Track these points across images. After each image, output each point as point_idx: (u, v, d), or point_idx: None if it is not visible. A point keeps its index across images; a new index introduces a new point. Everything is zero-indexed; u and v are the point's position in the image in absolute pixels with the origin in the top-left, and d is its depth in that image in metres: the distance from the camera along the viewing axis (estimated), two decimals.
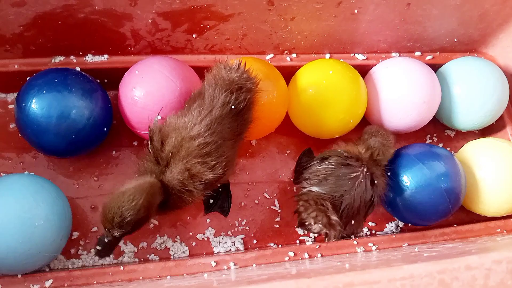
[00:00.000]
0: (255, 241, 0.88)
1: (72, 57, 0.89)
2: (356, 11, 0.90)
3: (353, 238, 0.86)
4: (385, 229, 0.93)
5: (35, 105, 0.77)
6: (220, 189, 0.89)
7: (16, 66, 0.86)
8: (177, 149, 0.72)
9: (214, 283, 0.56)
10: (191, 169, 0.71)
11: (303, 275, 0.47)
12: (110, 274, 0.77)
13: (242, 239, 0.88)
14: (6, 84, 0.88)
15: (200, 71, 0.83)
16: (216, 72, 0.77)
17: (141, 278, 0.77)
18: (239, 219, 0.90)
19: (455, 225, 0.93)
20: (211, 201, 0.89)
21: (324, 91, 0.88)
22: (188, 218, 0.88)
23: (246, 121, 0.78)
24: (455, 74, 0.99)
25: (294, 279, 0.42)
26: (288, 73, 0.94)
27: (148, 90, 0.80)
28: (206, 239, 0.87)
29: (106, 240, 0.68)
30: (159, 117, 0.79)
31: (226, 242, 0.87)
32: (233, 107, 0.74)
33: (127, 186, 0.68)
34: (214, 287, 0.51)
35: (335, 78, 0.88)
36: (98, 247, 0.69)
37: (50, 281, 0.75)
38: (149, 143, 0.74)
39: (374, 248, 0.86)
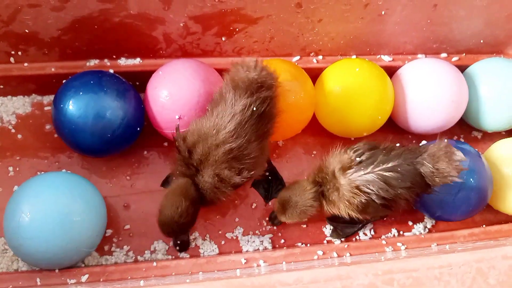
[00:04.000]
0: (282, 241, 0.89)
1: (106, 60, 0.92)
2: (383, 12, 0.92)
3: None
4: (413, 230, 0.93)
5: (72, 106, 0.80)
6: (269, 177, 0.91)
7: (52, 69, 0.90)
8: (205, 156, 0.75)
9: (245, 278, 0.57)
10: (220, 174, 0.75)
11: (342, 263, 0.48)
12: (144, 269, 0.79)
13: (270, 238, 0.89)
14: (43, 86, 0.92)
15: None
16: (235, 74, 0.77)
17: (173, 274, 0.79)
18: (267, 218, 0.91)
19: (484, 226, 0.93)
20: (263, 184, 0.91)
21: (351, 88, 0.89)
22: (217, 217, 0.89)
23: (270, 120, 0.79)
24: (482, 75, 0.98)
25: (334, 267, 0.43)
26: (315, 75, 0.95)
27: (169, 90, 0.83)
28: (234, 237, 0.88)
29: (179, 242, 0.78)
30: (177, 117, 0.82)
31: (254, 241, 0.88)
32: (254, 109, 0.75)
33: (167, 194, 0.76)
34: (256, 273, 0.53)
35: (362, 75, 0.89)
36: (178, 248, 0.80)
37: (86, 276, 0.77)
38: (176, 150, 0.78)
39: (403, 247, 0.86)
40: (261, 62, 0.78)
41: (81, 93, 0.80)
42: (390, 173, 0.75)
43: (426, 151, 0.78)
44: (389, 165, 0.76)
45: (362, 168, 0.76)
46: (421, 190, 0.79)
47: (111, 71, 0.89)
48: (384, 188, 0.75)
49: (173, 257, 0.85)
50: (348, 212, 0.78)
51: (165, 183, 0.89)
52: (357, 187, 0.76)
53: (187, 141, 0.76)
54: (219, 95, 0.78)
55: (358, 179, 0.76)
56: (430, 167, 0.76)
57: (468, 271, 0.46)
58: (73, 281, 0.76)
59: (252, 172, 0.77)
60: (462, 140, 1.06)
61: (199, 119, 0.78)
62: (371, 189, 0.75)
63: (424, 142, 0.96)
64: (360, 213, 0.78)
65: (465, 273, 0.46)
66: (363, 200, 0.76)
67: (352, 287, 0.43)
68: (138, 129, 0.85)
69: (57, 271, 0.77)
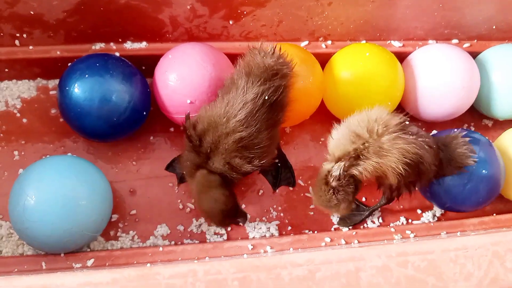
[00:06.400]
0: (289, 228, 0.88)
1: (111, 43, 0.91)
2: None
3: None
4: (422, 219, 0.92)
5: (78, 89, 0.79)
6: (279, 164, 0.90)
7: (58, 52, 0.89)
8: (215, 145, 0.74)
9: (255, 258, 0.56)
10: (231, 162, 0.74)
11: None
12: (150, 254, 0.78)
13: (276, 225, 0.88)
14: (48, 70, 0.91)
15: (235, 58, 0.82)
16: (251, 58, 0.76)
17: (179, 259, 0.78)
18: (274, 206, 0.90)
19: (494, 214, 0.91)
20: (271, 172, 0.90)
21: (361, 74, 0.87)
22: None
23: (281, 109, 0.78)
24: (494, 62, 0.97)
25: (347, 248, 0.42)
26: (323, 60, 0.93)
27: (179, 74, 0.82)
28: (241, 224, 0.87)
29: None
30: (189, 101, 0.80)
31: (261, 228, 0.87)
32: (266, 97, 0.74)
33: (200, 194, 0.76)
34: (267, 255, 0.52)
35: (372, 60, 0.88)
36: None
37: (92, 260, 0.76)
38: (187, 139, 0.76)
39: (412, 235, 0.85)
40: (279, 49, 0.77)
41: (86, 75, 0.79)
42: (428, 147, 0.75)
43: (443, 139, 0.80)
44: (427, 139, 0.76)
45: (410, 133, 0.75)
46: (434, 175, 0.79)
47: (117, 54, 0.88)
48: (424, 159, 0.75)
49: (179, 243, 0.84)
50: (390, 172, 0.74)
51: (169, 166, 0.88)
52: (408, 149, 0.73)
53: (197, 129, 0.75)
54: (230, 82, 0.76)
55: (410, 139, 0.74)
56: (447, 155, 0.78)
57: (485, 254, 0.45)
58: (78, 265, 0.75)
59: (263, 161, 0.76)
60: (473, 128, 1.04)
61: (209, 105, 0.76)
62: (419, 153, 0.74)
63: (434, 131, 0.95)
64: (397, 176, 0.75)
65: (481, 256, 0.45)
66: (410, 162, 0.73)
67: (365, 269, 0.42)
68: (145, 113, 0.85)
69: (62, 255, 0.76)
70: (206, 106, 0.76)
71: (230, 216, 0.77)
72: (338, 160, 0.75)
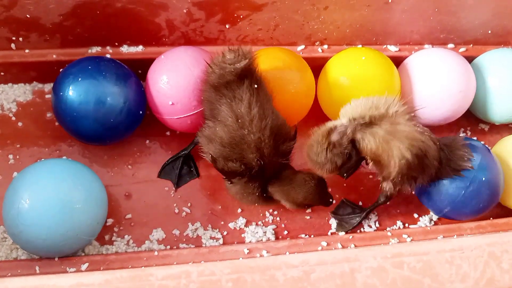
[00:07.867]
0: (286, 232, 0.88)
1: (108, 47, 0.91)
2: (390, 0, 0.90)
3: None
4: (418, 223, 0.91)
5: (72, 93, 0.79)
6: None
7: (54, 56, 0.89)
8: (261, 154, 0.73)
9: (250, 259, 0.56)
10: (280, 150, 0.76)
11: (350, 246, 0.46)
12: (145, 259, 0.77)
13: (273, 229, 0.87)
14: (44, 74, 0.91)
15: None
16: (221, 72, 0.74)
17: (175, 263, 0.77)
18: (270, 210, 0.89)
19: (491, 219, 0.91)
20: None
21: (357, 77, 0.87)
22: (220, 207, 0.88)
23: (265, 83, 0.79)
24: (490, 67, 0.97)
25: (342, 250, 0.41)
26: (319, 64, 0.93)
27: (167, 75, 0.82)
28: (237, 228, 0.87)
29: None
30: (170, 103, 0.81)
31: (257, 232, 0.87)
32: (256, 86, 0.75)
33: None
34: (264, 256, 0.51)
35: (368, 64, 0.88)
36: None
37: (86, 264, 0.75)
38: (231, 175, 0.76)
39: (408, 239, 0.84)
40: (240, 49, 0.75)
41: (80, 79, 0.79)
42: (432, 142, 0.76)
43: (443, 140, 0.80)
44: (432, 135, 0.77)
45: (418, 125, 0.75)
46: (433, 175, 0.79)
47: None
48: (429, 152, 0.75)
49: (175, 247, 0.83)
50: (398, 155, 0.73)
51: (161, 173, 0.88)
52: (419, 137, 0.74)
53: (226, 155, 0.74)
54: (214, 105, 0.75)
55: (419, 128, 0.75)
56: (447, 155, 0.78)
57: (481, 255, 0.44)
58: (72, 269, 0.75)
59: (294, 130, 0.79)
60: (469, 133, 1.04)
61: (208, 125, 0.76)
62: (425, 145, 0.74)
63: None
64: (404, 168, 0.74)
65: (477, 257, 0.44)
66: (418, 151, 0.73)
67: (360, 270, 0.42)
68: (141, 112, 0.84)
69: (56, 259, 0.75)
70: (209, 129, 0.76)
71: (325, 187, 0.78)
72: (352, 120, 0.74)
